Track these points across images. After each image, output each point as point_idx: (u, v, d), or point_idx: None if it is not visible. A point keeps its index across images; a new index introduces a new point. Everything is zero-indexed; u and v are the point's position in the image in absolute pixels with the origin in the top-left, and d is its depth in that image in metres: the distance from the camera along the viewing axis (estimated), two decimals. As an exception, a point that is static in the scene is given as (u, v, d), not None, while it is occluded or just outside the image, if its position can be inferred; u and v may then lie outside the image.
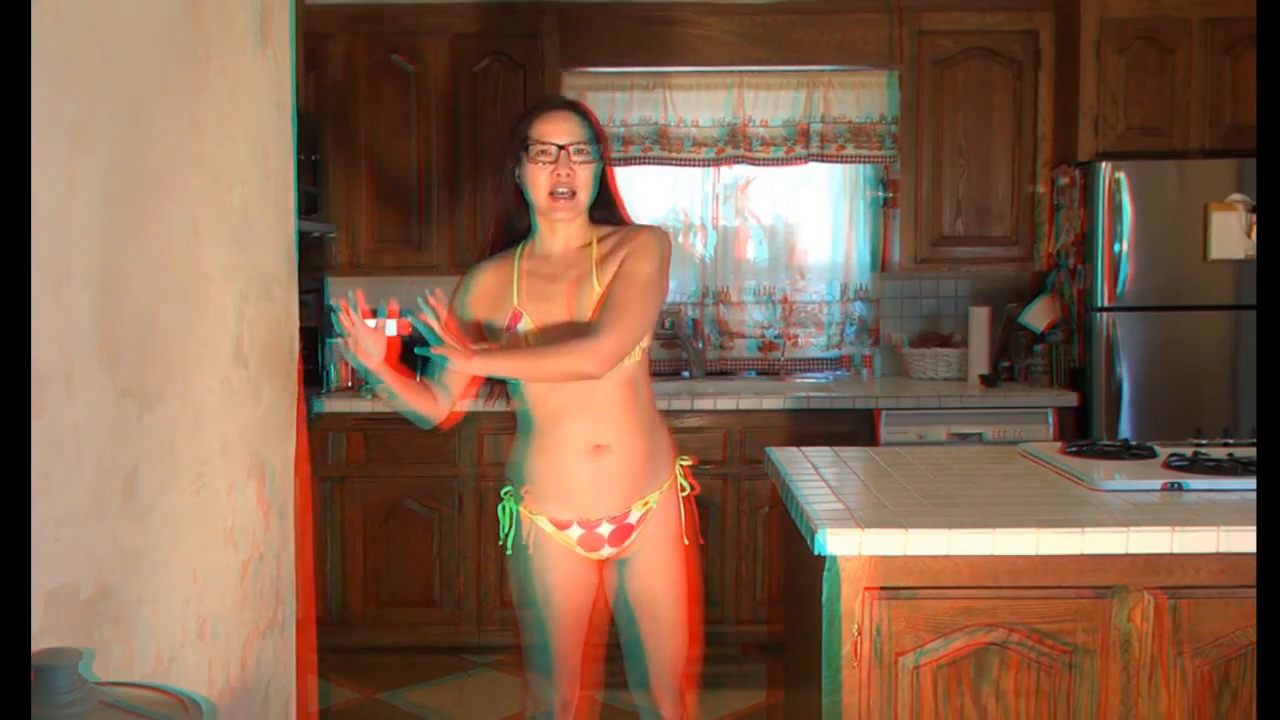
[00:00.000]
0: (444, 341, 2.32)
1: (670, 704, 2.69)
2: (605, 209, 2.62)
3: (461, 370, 2.42)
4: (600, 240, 2.58)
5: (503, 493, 2.66)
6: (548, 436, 2.56)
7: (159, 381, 1.93)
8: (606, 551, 2.60)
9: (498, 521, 2.69)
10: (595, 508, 2.56)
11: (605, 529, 2.57)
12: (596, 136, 2.56)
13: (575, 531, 2.57)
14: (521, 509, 2.61)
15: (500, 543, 2.67)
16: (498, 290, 2.59)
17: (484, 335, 2.60)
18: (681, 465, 2.66)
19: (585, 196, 2.54)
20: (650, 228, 2.60)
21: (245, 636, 2.28)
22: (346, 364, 4.65)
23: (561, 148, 2.49)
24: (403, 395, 2.48)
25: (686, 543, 2.64)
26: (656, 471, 2.60)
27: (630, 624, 2.65)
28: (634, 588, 2.62)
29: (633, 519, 2.58)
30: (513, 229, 2.65)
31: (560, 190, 2.50)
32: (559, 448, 2.54)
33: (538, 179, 2.51)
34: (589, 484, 2.54)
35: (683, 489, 2.65)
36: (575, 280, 2.54)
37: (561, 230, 2.57)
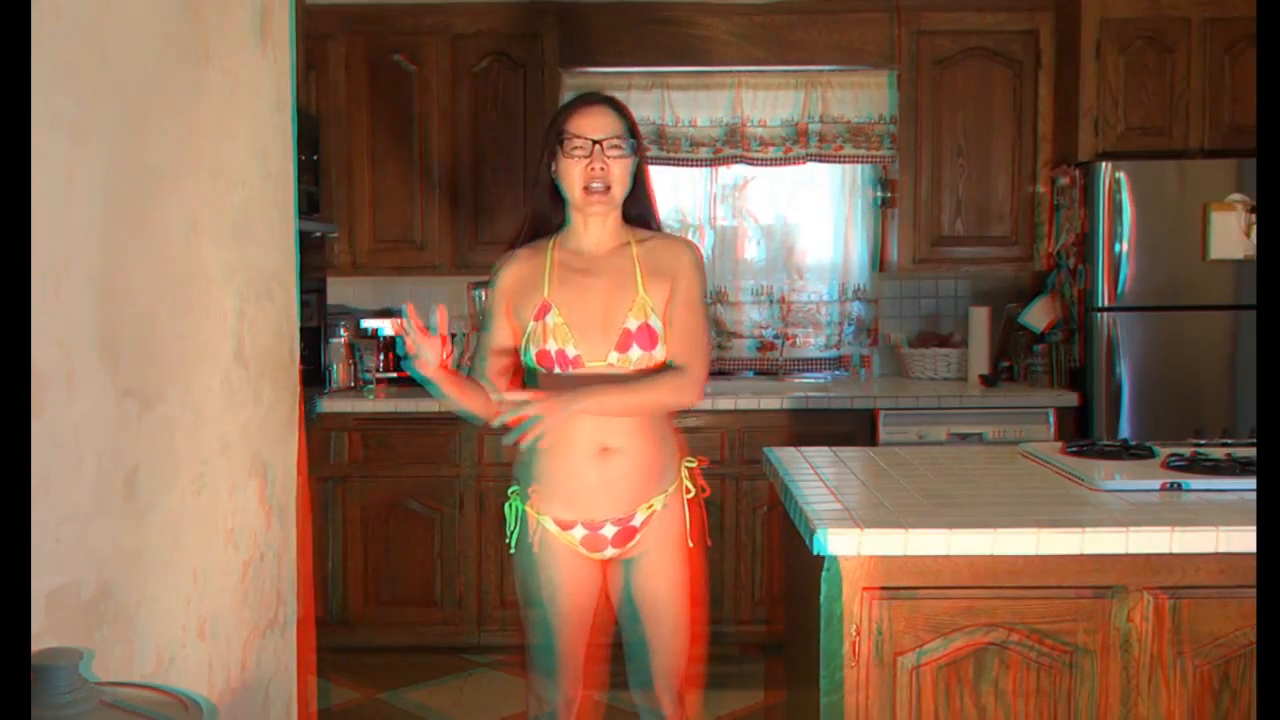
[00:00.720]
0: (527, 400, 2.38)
1: (670, 704, 2.69)
2: (639, 206, 2.64)
3: (560, 417, 2.41)
4: (638, 243, 2.60)
5: (509, 491, 2.67)
6: (562, 435, 2.56)
7: (159, 381, 1.93)
8: (610, 553, 2.60)
9: (498, 521, 2.70)
10: (600, 509, 2.56)
11: (609, 530, 2.57)
12: (632, 132, 2.57)
13: (579, 532, 2.57)
14: (527, 508, 2.61)
15: (506, 541, 2.68)
16: (527, 280, 2.59)
17: (519, 329, 2.60)
18: (688, 467, 2.67)
19: (620, 191, 2.56)
20: (689, 244, 2.67)
21: (245, 636, 2.28)
22: (347, 364, 4.65)
23: (596, 142, 2.51)
24: (459, 398, 2.49)
25: (691, 545, 2.64)
26: (663, 475, 2.60)
27: (633, 623, 2.66)
28: (637, 587, 2.62)
29: (636, 521, 2.58)
30: (545, 223, 2.66)
31: (595, 185, 2.52)
32: (569, 448, 2.54)
33: (572, 173, 2.53)
34: (596, 486, 2.55)
35: (689, 491, 2.65)
36: (615, 280, 2.55)
37: (595, 226, 2.58)
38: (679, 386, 2.51)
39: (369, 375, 4.65)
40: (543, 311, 2.54)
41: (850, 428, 4.36)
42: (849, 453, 3.08)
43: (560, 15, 4.66)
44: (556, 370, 2.54)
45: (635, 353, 2.53)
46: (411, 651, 4.42)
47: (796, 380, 4.90)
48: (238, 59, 2.24)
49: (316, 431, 4.28)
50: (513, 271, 2.62)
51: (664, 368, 2.55)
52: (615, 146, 2.52)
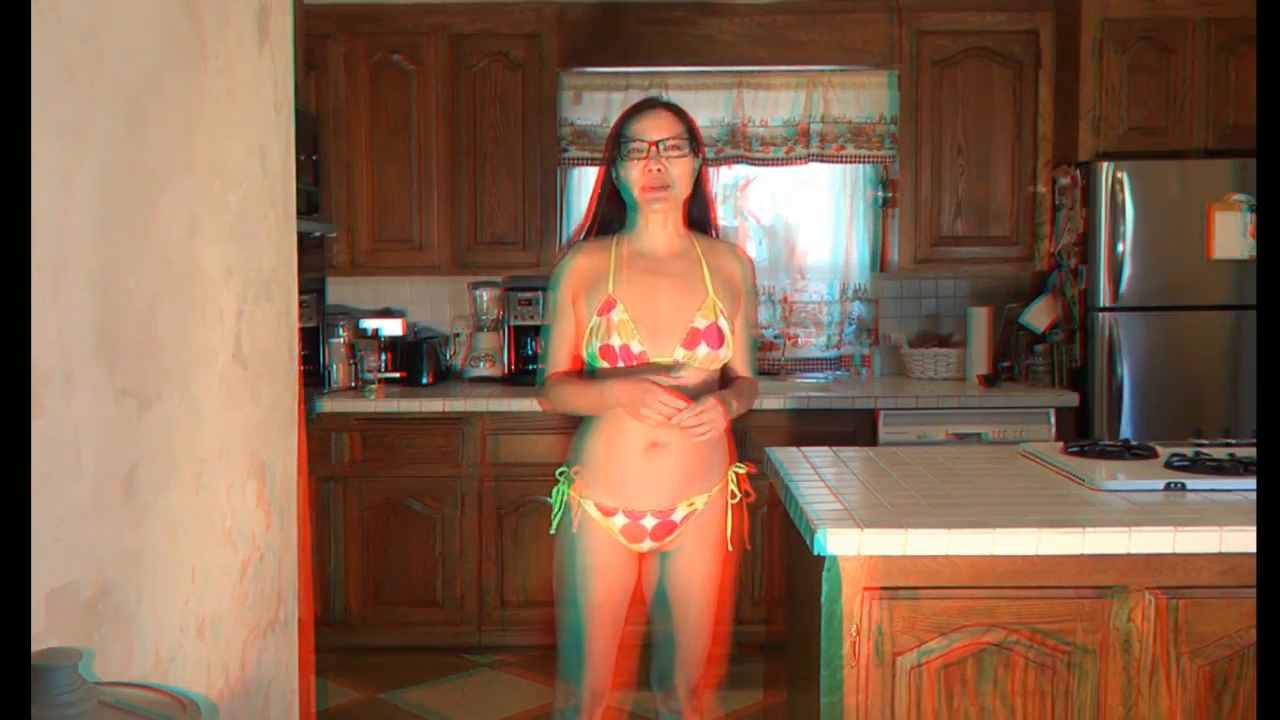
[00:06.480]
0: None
1: (687, 700, 2.74)
2: (698, 209, 2.71)
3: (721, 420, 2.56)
4: (701, 247, 2.68)
5: (557, 473, 2.70)
6: (614, 423, 2.59)
7: (158, 381, 1.92)
8: (648, 545, 2.64)
9: (498, 521, 2.71)
10: (643, 500, 2.60)
11: (649, 522, 2.61)
12: (692, 133, 2.64)
13: (620, 520, 2.61)
14: (571, 490, 2.64)
15: (552, 526, 2.71)
16: (592, 274, 2.63)
17: (581, 322, 2.63)
18: (736, 472, 2.69)
19: (682, 190, 2.63)
20: (747, 255, 2.79)
21: (245, 636, 2.28)
22: (347, 364, 4.65)
23: (655, 143, 2.57)
24: (599, 407, 2.61)
25: (730, 549, 2.68)
26: (708, 475, 2.64)
27: (662, 618, 2.71)
28: (670, 582, 2.67)
29: (676, 517, 2.62)
30: (609, 226, 2.70)
31: (655, 184, 2.57)
32: (621, 437, 2.58)
33: (633, 174, 2.59)
34: (641, 477, 2.59)
35: (734, 495, 2.67)
36: (681, 280, 2.62)
37: (658, 226, 2.63)
38: (757, 392, 2.79)
39: (369, 375, 4.64)
40: (607, 307, 2.57)
41: (850, 428, 4.36)
42: (849, 453, 3.08)
43: (560, 15, 4.65)
44: (620, 365, 2.57)
45: (703, 350, 2.59)
46: (411, 651, 4.42)
47: (797, 380, 4.90)
48: (237, 59, 2.24)
49: (316, 431, 4.27)
50: (578, 264, 2.65)
51: (724, 368, 2.69)
52: (675, 147, 2.59)
